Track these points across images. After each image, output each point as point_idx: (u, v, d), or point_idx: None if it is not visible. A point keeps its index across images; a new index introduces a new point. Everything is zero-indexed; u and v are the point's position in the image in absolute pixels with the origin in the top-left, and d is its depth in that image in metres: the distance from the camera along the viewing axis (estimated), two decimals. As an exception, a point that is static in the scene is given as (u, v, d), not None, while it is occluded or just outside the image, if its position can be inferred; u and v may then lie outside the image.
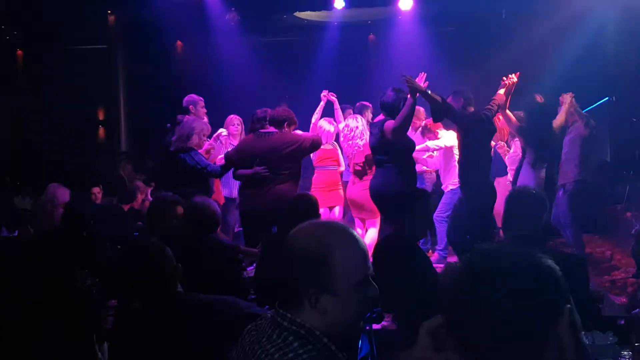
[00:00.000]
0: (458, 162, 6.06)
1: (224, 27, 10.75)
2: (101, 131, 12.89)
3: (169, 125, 6.36)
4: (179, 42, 12.03)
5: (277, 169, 5.53)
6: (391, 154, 5.45)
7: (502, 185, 7.40)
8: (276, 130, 5.63)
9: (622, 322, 3.24)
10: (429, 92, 5.44)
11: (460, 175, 5.91)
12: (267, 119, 5.67)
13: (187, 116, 6.18)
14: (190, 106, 6.44)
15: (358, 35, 11.59)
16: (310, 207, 4.31)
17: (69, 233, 4.46)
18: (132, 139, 11.32)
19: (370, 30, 11.76)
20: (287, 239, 1.66)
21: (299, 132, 6.01)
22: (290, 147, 5.53)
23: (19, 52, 12.29)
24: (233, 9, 10.63)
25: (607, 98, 8.28)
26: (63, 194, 6.49)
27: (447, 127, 6.80)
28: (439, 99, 5.54)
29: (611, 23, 8.74)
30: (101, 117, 12.87)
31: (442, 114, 5.85)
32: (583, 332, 2.74)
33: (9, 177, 10.08)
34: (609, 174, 8.42)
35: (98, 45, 11.86)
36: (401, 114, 5.25)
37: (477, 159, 5.68)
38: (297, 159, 5.65)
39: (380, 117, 5.64)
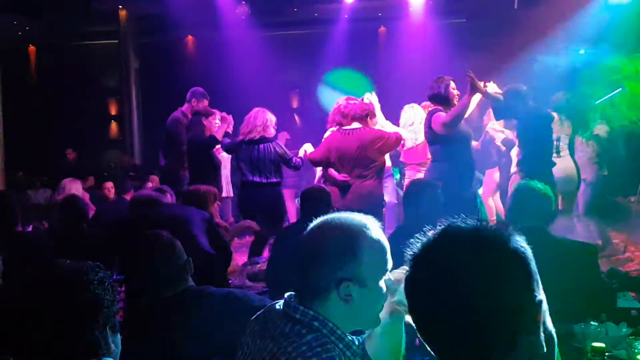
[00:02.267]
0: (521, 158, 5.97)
1: (234, 20, 10.75)
2: (113, 126, 12.96)
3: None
4: (189, 37, 12.04)
5: (366, 166, 5.50)
6: (442, 145, 5.41)
7: (491, 178, 7.50)
8: (361, 125, 5.59)
9: (635, 312, 3.22)
10: (489, 91, 5.42)
11: (526, 171, 5.78)
12: (351, 115, 5.59)
13: (256, 109, 6.08)
14: (193, 99, 6.59)
15: (369, 27, 11.55)
16: (326, 199, 4.33)
17: (73, 227, 4.47)
18: (144, 133, 11.35)
19: (380, 22, 11.72)
20: (311, 230, 1.65)
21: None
22: (378, 143, 5.48)
23: (31, 47, 12.37)
24: (244, 2, 10.62)
25: (620, 89, 8.19)
26: (77, 188, 6.55)
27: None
28: (500, 97, 5.50)
29: (624, 9, 8.65)
30: (113, 112, 12.93)
31: (503, 113, 5.84)
32: (596, 323, 2.73)
33: (22, 172, 10.16)
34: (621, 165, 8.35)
35: (109, 40, 11.91)
36: (454, 110, 5.22)
37: (541, 152, 5.63)
38: (383, 155, 5.61)
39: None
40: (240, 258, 6.24)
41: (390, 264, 1.65)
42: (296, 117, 12.33)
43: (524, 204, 3.10)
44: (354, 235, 1.60)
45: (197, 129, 6.43)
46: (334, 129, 5.71)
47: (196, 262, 2.63)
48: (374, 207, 5.40)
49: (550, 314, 1.15)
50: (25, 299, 1.53)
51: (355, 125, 5.55)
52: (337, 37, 11.04)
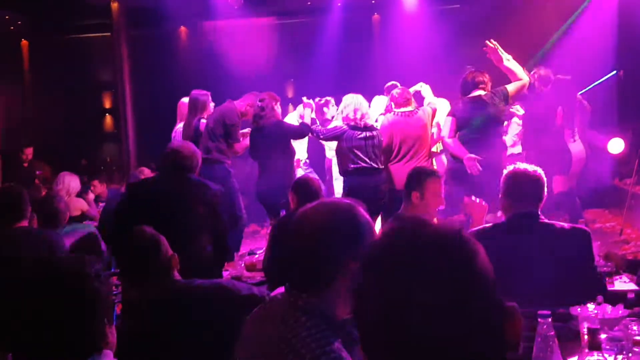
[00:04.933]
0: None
1: (227, 11, 10.70)
2: (108, 119, 12.93)
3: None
4: (182, 28, 11.99)
5: (422, 145, 5.94)
6: None
7: None
8: (417, 109, 6.02)
9: (632, 295, 3.24)
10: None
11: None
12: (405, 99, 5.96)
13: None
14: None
15: (362, 15, 11.51)
16: (317, 190, 4.35)
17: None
18: (139, 126, 11.32)
19: (374, 10, 11.67)
20: (305, 218, 1.65)
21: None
22: (429, 126, 6.06)
23: (24, 41, 12.31)
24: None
25: (614, 72, 8.19)
26: (75, 182, 6.52)
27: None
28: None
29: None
30: (107, 105, 12.89)
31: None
32: (593, 306, 2.75)
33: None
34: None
35: (102, 33, 11.85)
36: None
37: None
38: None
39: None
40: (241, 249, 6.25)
41: None
42: (291, 107, 12.30)
43: (517, 189, 3.08)
44: (351, 217, 1.62)
45: (271, 115, 6.10)
46: (389, 115, 6.05)
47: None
48: None
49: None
50: (24, 293, 1.53)
51: (410, 107, 5.96)
52: (331, 26, 10.99)
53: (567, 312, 2.57)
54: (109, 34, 11.42)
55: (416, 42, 9.92)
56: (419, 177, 4.10)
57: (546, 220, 3.04)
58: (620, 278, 3.66)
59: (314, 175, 5.93)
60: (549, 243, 2.93)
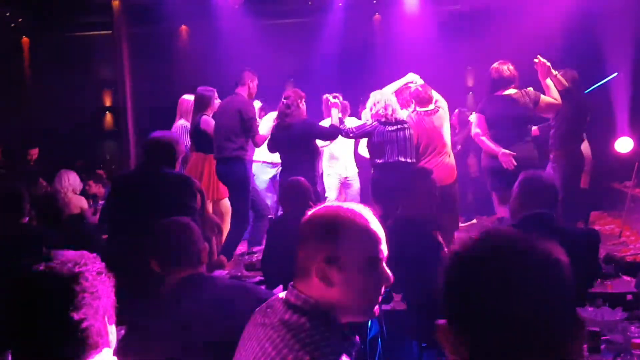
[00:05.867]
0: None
1: (228, 9, 10.70)
2: (108, 117, 12.92)
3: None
4: (183, 26, 11.98)
5: (445, 145, 6.09)
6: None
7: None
8: (437, 106, 6.17)
9: (631, 297, 3.25)
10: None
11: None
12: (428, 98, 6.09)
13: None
14: (249, 80, 6.38)
15: (363, 15, 11.50)
16: (306, 191, 4.43)
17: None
18: (140, 124, 11.31)
19: (375, 9, 11.67)
20: (305, 218, 1.70)
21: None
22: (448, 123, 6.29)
23: (25, 39, 12.29)
24: (237, -10, 10.57)
25: (615, 74, 8.19)
26: (75, 179, 6.53)
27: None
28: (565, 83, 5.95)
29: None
30: (108, 102, 12.88)
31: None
32: (591, 308, 2.75)
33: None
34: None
35: (103, 31, 11.84)
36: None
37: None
38: None
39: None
40: (239, 248, 6.26)
41: (379, 252, 1.65)
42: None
43: (533, 193, 3.13)
44: (334, 219, 1.63)
45: (297, 113, 6.05)
46: (413, 115, 6.08)
47: None
48: (455, 182, 6.00)
49: None
50: (22, 291, 1.53)
51: (432, 105, 6.04)
52: (332, 26, 10.98)
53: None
54: (109, 31, 11.41)
55: (417, 42, 9.91)
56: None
57: (557, 223, 3.08)
58: (620, 280, 3.67)
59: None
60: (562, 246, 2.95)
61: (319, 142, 6.34)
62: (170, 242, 2.59)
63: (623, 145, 7.44)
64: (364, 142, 6.67)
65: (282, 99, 6.08)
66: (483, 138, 5.63)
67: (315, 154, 6.15)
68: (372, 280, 1.63)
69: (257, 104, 6.77)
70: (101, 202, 7.28)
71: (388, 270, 1.66)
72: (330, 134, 6.17)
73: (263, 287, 3.85)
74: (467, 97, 10.95)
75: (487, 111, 5.64)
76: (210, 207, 6.28)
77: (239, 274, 4.73)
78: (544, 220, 2.99)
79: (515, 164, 5.32)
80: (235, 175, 6.07)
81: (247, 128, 6.10)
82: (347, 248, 1.60)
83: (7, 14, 11.42)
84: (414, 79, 6.36)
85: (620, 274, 3.80)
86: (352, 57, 10.68)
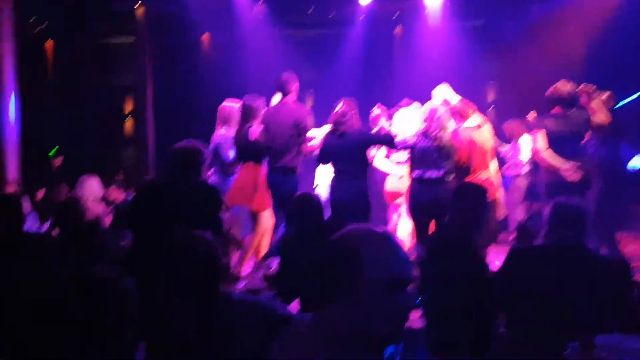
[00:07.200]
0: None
1: (251, 19, 10.76)
2: (129, 123, 13.02)
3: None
4: (205, 35, 12.07)
5: (487, 160, 6.07)
6: None
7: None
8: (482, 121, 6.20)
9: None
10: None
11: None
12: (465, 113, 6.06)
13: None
14: (294, 86, 6.33)
15: (385, 29, 11.51)
16: (319, 206, 4.38)
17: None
18: (160, 131, 11.39)
19: (397, 24, 11.67)
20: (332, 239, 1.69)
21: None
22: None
23: (48, 44, 12.44)
24: (261, 1, 10.63)
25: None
26: (97, 186, 6.52)
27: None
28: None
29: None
30: (129, 109, 12.99)
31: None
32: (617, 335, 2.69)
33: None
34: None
35: (126, 38, 11.96)
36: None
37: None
38: None
39: None
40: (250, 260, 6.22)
41: (401, 274, 1.63)
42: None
43: (564, 219, 3.10)
44: (353, 244, 1.63)
45: (352, 123, 5.88)
46: (459, 130, 5.91)
47: None
48: (494, 201, 5.93)
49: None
50: (56, 303, 1.53)
51: (475, 121, 6.01)
52: (353, 38, 11.00)
53: (590, 341, 2.53)
54: (132, 38, 11.52)
55: (439, 56, 9.89)
56: None
57: (590, 251, 3.05)
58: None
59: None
60: (588, 273, 2.93)
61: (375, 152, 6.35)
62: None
63: (637, 162, 7.36)
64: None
65: (335, 109, 5.99)
66: (545, 153, 5.59)
67: (368, 164, 6.07)
68: (391, 302, 1.60)
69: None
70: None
71: (409, 292, 1.64)
72: (389, 141, 5.99)
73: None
74: (487, 112, 10.90)
75: (548, 128, 5.64)
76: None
77: (257, 287, 4.72)
78: (574, 250, 2.97)
79: (582, 175, 5.40)
80: (288, 185, 5.98)
81: (303, 139, 6.07)
82: (366, 273, 1.60)
83: (31, 20, 11.55)
84: (445, 92, 6.22)
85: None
86: (372, 69, 10.69)
